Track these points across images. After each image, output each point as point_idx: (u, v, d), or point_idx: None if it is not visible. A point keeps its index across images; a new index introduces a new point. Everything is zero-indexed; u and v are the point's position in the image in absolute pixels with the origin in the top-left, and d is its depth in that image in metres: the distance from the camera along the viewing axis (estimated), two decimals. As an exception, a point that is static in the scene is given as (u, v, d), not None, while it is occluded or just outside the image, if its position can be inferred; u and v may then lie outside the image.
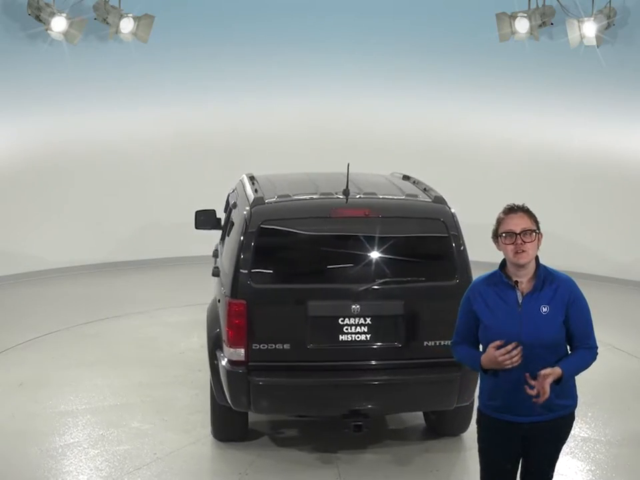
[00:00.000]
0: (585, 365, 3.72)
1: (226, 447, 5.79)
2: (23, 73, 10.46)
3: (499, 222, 3.71)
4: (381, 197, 5.70)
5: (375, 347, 5.27)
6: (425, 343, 5.24)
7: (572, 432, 3.91)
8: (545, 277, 3.69)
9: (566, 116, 11.08)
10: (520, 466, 3.87)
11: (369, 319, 5.22)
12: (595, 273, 10.73)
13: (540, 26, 10.36)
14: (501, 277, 3.72)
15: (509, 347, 3.55)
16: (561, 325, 3.65)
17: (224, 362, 5.28)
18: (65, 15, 9.94)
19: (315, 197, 5.68)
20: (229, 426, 5.78)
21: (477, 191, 11.51)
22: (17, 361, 7.63)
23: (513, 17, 10.38)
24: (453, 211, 5.56)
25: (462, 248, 5.38)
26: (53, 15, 9.85)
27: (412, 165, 10.90)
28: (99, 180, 11.27)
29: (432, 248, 5.53)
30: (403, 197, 5.73)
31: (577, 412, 3.88)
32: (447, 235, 5.36)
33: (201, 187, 11.12)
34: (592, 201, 11.14)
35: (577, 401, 3.82)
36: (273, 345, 5.19)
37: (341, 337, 5.22)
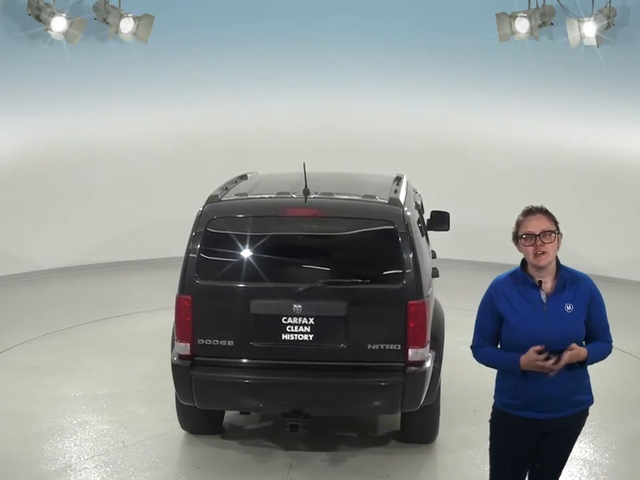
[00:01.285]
0: (603, 354, 3.80)
1: (193, 439, 5.86)
2: (23, 73, 10.46)
3: (518, 224, 3.74)
4: (336, 197, 5.62)
5: (317, 347, 5.23)
6: (369, 346, 5.16)
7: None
8: (566, 277, 3.75)
9: (566, 116, 11.08)
10: (528, 470, 3.92)
11: (312, 319, 5.18)
12: (597, 273, 10.71)
13: (540, 26, 10.37)
14: (524, 276, 3.74)
15: (550, 362, 3.57)
16: (583, 323, 3.73)
17: (174, 356, 5.39)
18: (65, 14, 9.95)
19: (272, 196, 5.67)
20: (192, 418, 5.82)
21: (477, 190, 11.53)
22: (18, 360, 7.64)
23: (513, 17, 10.39)
24: (408, 213, 5.45)
25: (411, 251, 5.23)
26: (52, 14, 9.85)
27: (411, 164, 10.92)
28: (99, 180, 11.28)
29: (379, 250, 5.39)
30: (358, 198, 5.60)
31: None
32: (395, 238, 5.23)
33: (201, 187, 11.07)
34: (592, 201, 11.15)
35: (593, 397, 3.89)
36: (217, 341, 5.26)
37: (283, 336, 5.22)
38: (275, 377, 5.24)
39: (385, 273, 5.28)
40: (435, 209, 7.51)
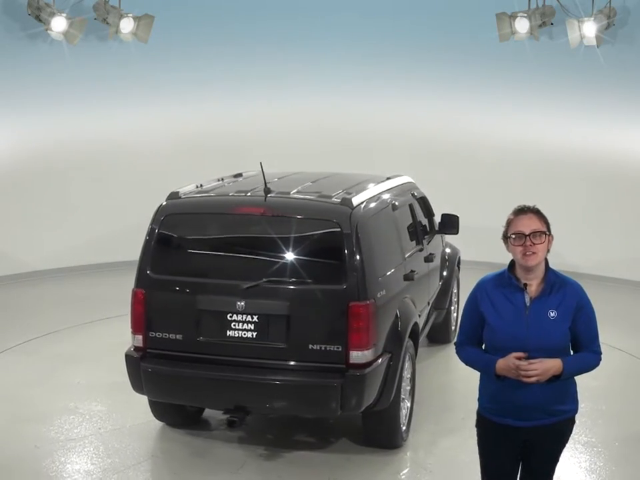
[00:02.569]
0: (587, 367, 3.68)
1: (166, 430, 5.97)
2: (23, 73, 10.46)
3: (509, 223, 3.64)
4: (292, 197, 5.60)
5: (260, 345, 5.23)
6: (310, 346, 5.12)
7: (571, 434, 3.87)
8: (554, 281, 3.64)
9: (566, 116, 11.08)
10: (519, 469, 3.85)
11: (256, 317, 5.20)
12: (595, 273, 10.73)
13: (540, 26, 10.37)
14: (510, 278, 3.65)
15: (534, 363, 3.49)
16: (567, 331, 3.61)
17: (131, 347, 5.52)
18: (65, 14, 9.95)
19: (231, 194, 5.72)
20: (162, 410, 5.90)
21: (476, 190, 11.53)
22: (17, 361, 7.64)
23: (513, 17, 10.39)
24: (360, 214, 5.35)
25: (357, 252, 5.16)
26: (52, 14, 9.85)
27: (411, 164, 10.95)
28: (99, 180, 11.27)
29: (323, 250, 5.35)
30: (311, 198, 5.58)
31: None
32: (339, 238, 5.17)
33: (201, 187, 11.11)
34: (592, 201, 11.15)
35: (577, 406, 3.78)
36: (167, 335, 5.34)
37: (228, 333, 5.25)
38: (218, 373, 5.27)
39: (327, 273, 5.24)
40: (445, 212, 7.52)
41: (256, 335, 5.21)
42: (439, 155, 11.67)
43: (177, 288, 5.40)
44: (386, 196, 6.17)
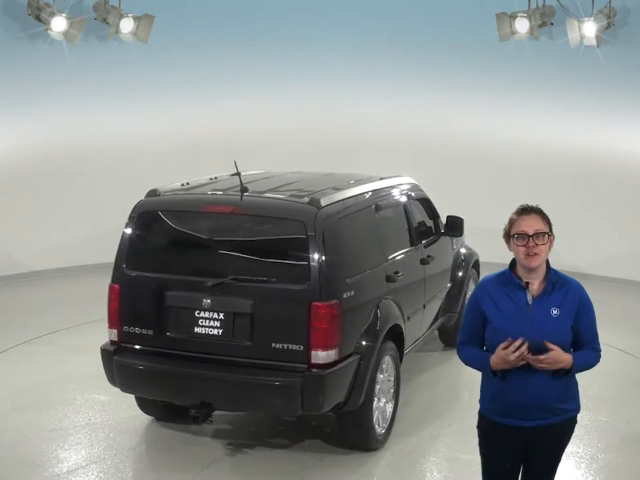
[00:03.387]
0: (590, 363, 3.71)
1: (155, 424, 6.07)
2: (23, 73, 10.46)
3: (511, 223, 3.63)
4: (263, 195, 5.63)
5: (225, 342, 5.28)
6: (273, 345, 5.15)
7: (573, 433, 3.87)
8: (555, 280, 3.64)
9: (566, 116, 11.09)
10: (521, 470, 3.84)
11: (222, 314, 5.25)
12: (595, 273, 10.74)
13: (540, 26, 10.37)
14: (512, 277, 3.65)
15: (517, 343, 3.48)
16: (569, 328, 3.62)
17: (107, 341, 5.65)
18: (65, 14, 9.96)
19: (206, 192, 5.79)
20: (145, 404, 6.00)
21: (476, 190, 11.52)
22: (18, 360, 7.65)
23: (513, 17, 10.39)
24: (326, 214, 5.31)
25: (322, 252, 5.14)
26: (53, 14, 9.86)
27: (410, 164, 10.96)
28: (99, 179, 11.27)
29: (288, 249, 5.36)
30: (282, 197, 5.59)
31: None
32: (304, 238, 5.16)
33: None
34: (592, 201, 11.15)
35: (579, 405, 3.79)
36: (139, 330, 5.45)
37: (196, 329, 5.31)
38: (184, 369, 5.32)
39: (291, 272, 5.23)
40: (450, 214, 7.45)
41: (222, 333, 5.27)
42: (439, 154, 11.66)
43: (149, 284, 5.49)
44: (368, 196, 6.09)
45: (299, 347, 5.08)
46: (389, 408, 5.89)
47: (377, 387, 5.63)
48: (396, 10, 11.42)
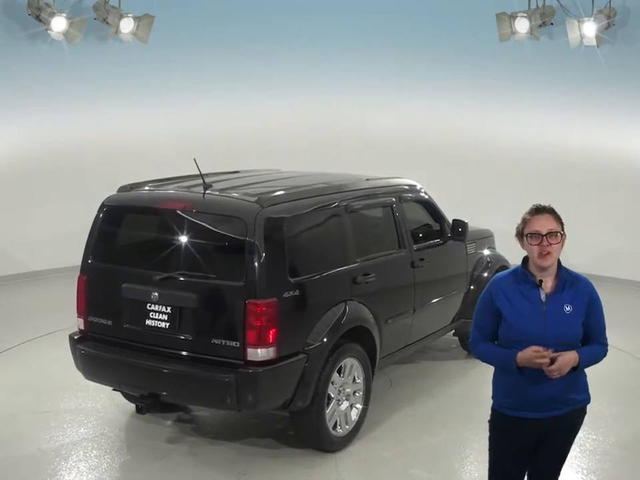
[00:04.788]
0: (597, 358, 3.80)
1: (136, 415, 6.12)
2: (23, 73, 10.47)
3: (525, 222, 3.72)
4: (217, 193, 5.70)
5: (171, 336, 5.37)
6: (213, 340, 5.22)
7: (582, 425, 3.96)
8: (566, 278, 3.75)
9: (566, 116, 11.09)
10: (529, 461, 3.91)
11: (169, 308, 5.36)
12: (596, 273, 10.73)
13: (540, 26, 10.38)
14: (525, 275, 3.74)
15: (545, 353, 3.58)
16: (580, 325, 3.72)
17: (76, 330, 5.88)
18: (65, 14, 9.97)
19: (170, 189, 5.94)
20: (125, 393, 6.05)
21: (475, 190, 11.53)
22: (18, 360, 7.66)
23: (513, 17, 10.40)
24: (271, 213, 5.32)
25: (259, 251, 5.16)
26: (53, 14, 9.87)
27: (411, 164, 10.96)
28: (99, 179, 11.25)
29: (229, 246, 5.45)
30: (234, 195, 5.65)
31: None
32: (244, 235, 5.20)
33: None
34: (592, 201, 11.16)
35: (589, 396, 3.88)
36: (101, 320, 5.67)
37: (147, 322, 5.45)
38: (132, 359, 5.47)
39: (231, 269, 5.29)
40: (455, 218, 7.31)
41: (168, 326, 5.37)
42: (438, 154, 11.67)
43: (109, 276, 5.68)
44: (336, 198, 6.00)
45: (236, 344, 5.14)
46: (356, 411, 5.85)
47: (335, 388, 5.62)
48: (396, 10, 11.43)
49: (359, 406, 5.89)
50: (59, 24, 9.93)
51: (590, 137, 11.00)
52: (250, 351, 5.10)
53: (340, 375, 5.68)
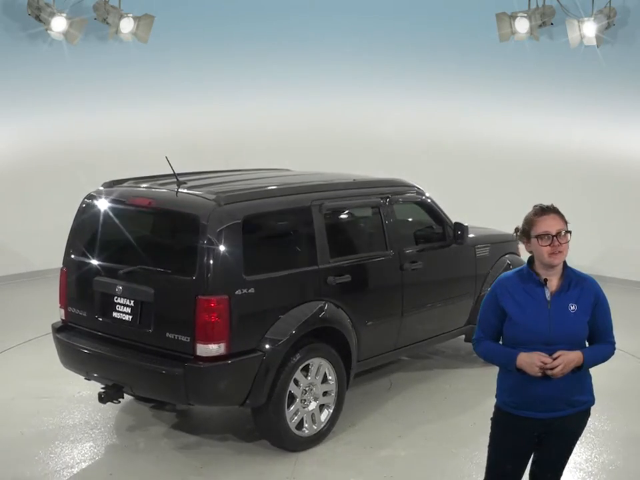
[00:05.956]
0: (604, 356, 3.80)
1: (132, 404, 6.39)
2: (23, 73, 10.47)
3: (531, 223, 3.71)
4: (181, 190, 5.76)
5: (133, 328, 5.51)
6: (167, 334, 5.30)
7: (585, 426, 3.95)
8: (572, 277, 3.76)
9: (566, 116, 11.09)
10: (530, 463, 3.91)
11: (132, 301, 5.52)
12: (596, 273, 10.72)
13: (540, 26, 10.39)
14: (531, 274, 3.75)
15: (549, 362, 3.59)
16: (585, 324, 3.72)
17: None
18: (65, 14, 9.97)
19: (146, 186, 6.07)
20: None
21: (474, 191, 11.53)
22: (17, 360, 7.66)
23: (513, 17, 10.40)
24: (227, 211, 5.35)
25: (212, 247, 5.20)
26: (53, 14, 9.87)
27: (411, 164, 10.96)
28: (98, 179, 11.21)
29: (185, 242, 5.53)
30: (196, 193, 5.69)
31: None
32: (197, 232, 5.26)
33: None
34: (592, 201, 11.15)
35: (594, 397, 3.88)
36: (78, 311, 5.90)
37: (114, 314, 5.62)
38: (98, 351, 5.63)
39: (184, 265, 5.35)
40: (457, 221, 7.11)
41: (131, 319, 5.52)
42: (438, 154, 11.66)
43: (84, 269, 5.87)
44: (310, 197, 5.95)
45: (187, 339, 5.21)
46: (326, 412, 5.82)
47: (300, 387, 5.60)
48: (396, 10, 11.43)
49: (331, 407, 5.85)
50: (58, 24, 9.93)
51: (590, 136, 11.00)
52: (199, 346, 5.16)
53: (306, 375, 5.65)
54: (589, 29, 10.06)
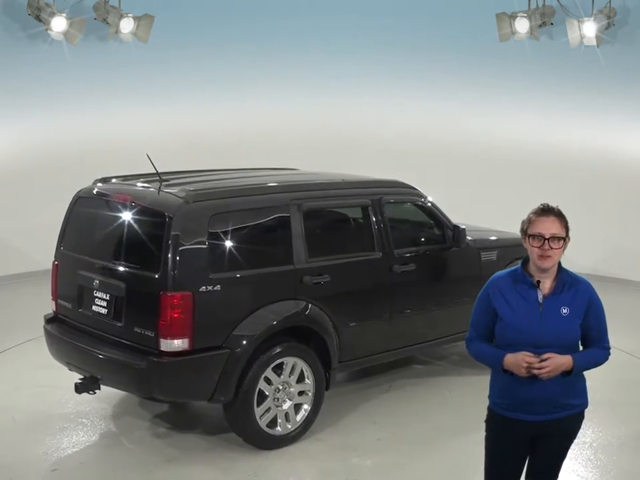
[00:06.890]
0: (596, 361, 3.75)
1: (125, 400, 6.46)
2: (23, 73, 10.47)
3: (530, 221, 3.67)
4: (156, 187, 5.85)
5: (108, 322, 5.64)
6: (135, 329, 5.41)
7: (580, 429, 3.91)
8: (566, 280, 3.71)
9: (566, 116, 11.09)
10: (526, 466, 3.88)
11: (107, 295, 5.66)
12: (596, 273, 10.73)
13: (540, 26, 10.38)
14: (524, 275, 3.72)
15: (545, 360, 3.55)
16: (578, 327, 3.67)
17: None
18: (65, 14, 9.97)
19: (134, 182, 6.19)
20: None
21: (474, 191, 11.52)
22: (17, 360, 7.66)
23: (513, 17, 10.40)
24: (194, 208, 5.43)
25: (176, 244, 5.26)
26: (53, 14, 9.87)
27: (411, 164, 10.96)
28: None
29: (152, 239, 5.57)
30: (170, 191, 5.74)
31: (578, 413, 3.86)
32: (164, 229, 5.32)
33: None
34: (592, 201, 11.14)
35: (587, 400, 3.84)
36: (65, 303, 6.08)
37: (93, 307, 5.77)
38: (76, 342, 5.78)
39: (150, 261, 5.42)
40: (455, 223, 6.97)
41: (106, 312, 5.65)
42: (437, 155, 11.66)
43: (71, 262, 6.05)
44: (289, 196, 5.92)
45: (151, 333, 5.29)
46: (302, 412, 5.80)
47: (271, 386, 5.60)
48: (396, 10, 11.43)
49: (306, 408, 5.82)
50: (58, 24, 9.93)
51: (590, 136, 10.99)
52: (162, 341, 5.23)
53: (279, 374, 5.64)
54: (589, 28, 10.06)
